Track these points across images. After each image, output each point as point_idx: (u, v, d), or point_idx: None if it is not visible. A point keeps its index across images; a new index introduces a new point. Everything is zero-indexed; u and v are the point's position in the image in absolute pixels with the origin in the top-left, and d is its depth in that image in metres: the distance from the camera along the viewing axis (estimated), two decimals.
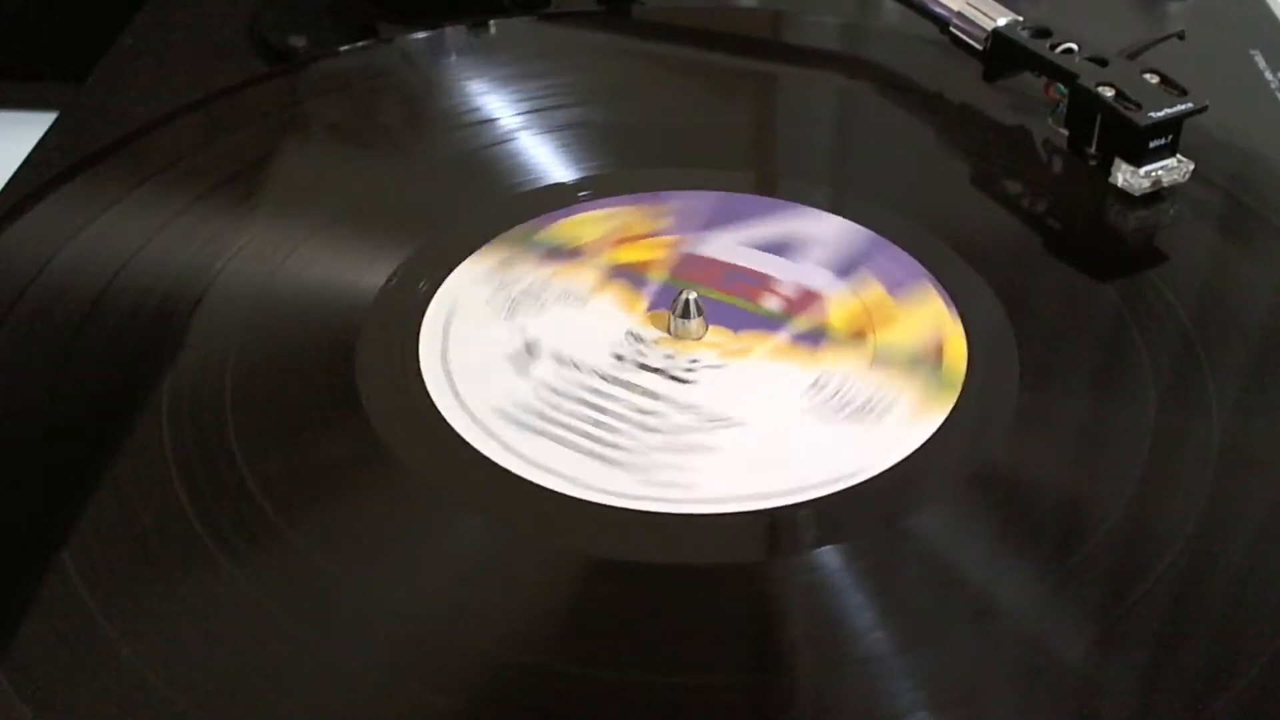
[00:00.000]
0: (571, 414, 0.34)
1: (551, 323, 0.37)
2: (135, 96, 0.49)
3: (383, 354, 0.35)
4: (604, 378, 0.35)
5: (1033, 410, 0.34)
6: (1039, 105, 0.44)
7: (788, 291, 0.38)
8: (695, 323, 0.36)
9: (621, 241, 0.40)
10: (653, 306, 0.37)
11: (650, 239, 0.40)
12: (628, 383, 0.35)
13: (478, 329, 0.36)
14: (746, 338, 0.36)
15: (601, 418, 0.34)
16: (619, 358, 0.36)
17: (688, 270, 0.39)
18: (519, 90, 0.47)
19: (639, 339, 0.36)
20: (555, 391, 0.34)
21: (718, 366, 0.35)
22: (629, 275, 0.39)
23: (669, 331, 0.36)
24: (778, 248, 0.39)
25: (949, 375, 0.35)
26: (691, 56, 0.50)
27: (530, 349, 0.36)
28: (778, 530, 0.31)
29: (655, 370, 0.35)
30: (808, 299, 0.37)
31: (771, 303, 0.37)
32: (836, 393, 0.34)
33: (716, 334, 0.36)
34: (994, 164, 0.43)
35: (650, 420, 0.34)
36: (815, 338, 0.36)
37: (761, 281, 0.38)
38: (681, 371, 0.35)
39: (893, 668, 0.27)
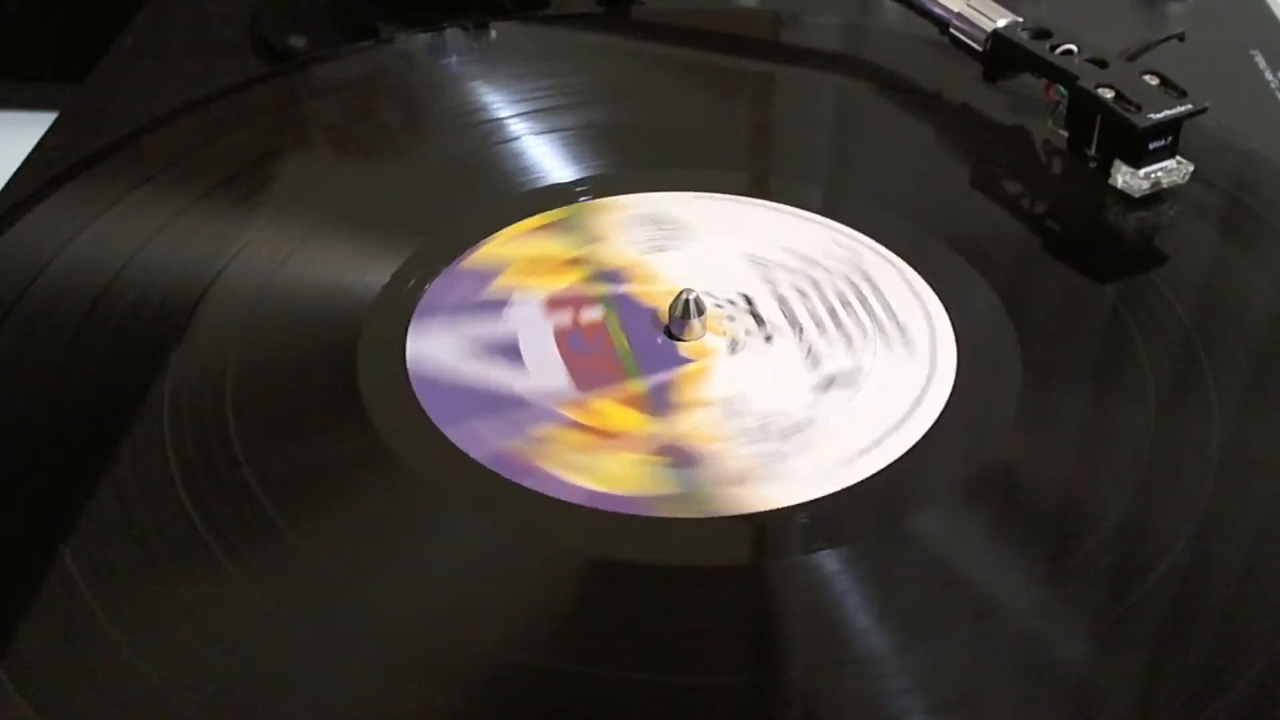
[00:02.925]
0: None
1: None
2: (135, 96, 0.49)
3: (383, 354, 0.35)
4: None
5: (1033, 410, 0.34)
6: (1039, 106, 0.44)
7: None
8: (697, 322, 0.36)
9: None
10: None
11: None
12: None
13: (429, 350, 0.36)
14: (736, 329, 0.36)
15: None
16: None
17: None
18: (519, 91, 0.47)
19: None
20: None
21: (735, 355, 0.36)
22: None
23: (673, 335, 0.36)
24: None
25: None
26: (691, 57, 0.50)
27: (508, 350, 0.36)
28: (777, 530, 0.31)
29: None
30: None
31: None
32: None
33: (712, 333, 0.36)
34: (994, 164, 0.43)
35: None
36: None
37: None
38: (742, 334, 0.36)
39: (892, 668, 0.27)
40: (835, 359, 0.36)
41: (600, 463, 0.32)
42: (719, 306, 0.37)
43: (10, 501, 0.31)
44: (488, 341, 0.36)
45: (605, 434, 0.33)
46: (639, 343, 0.36)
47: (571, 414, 0.34)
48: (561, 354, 0.35)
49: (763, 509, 0.31)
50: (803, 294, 0.38)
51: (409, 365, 0.35)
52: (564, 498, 0.31)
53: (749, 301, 0.38)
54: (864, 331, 0.37)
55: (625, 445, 0.33)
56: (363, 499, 0.32)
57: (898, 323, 0.37)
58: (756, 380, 0.35)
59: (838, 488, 0.32)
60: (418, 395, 0.34)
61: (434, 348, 0.35)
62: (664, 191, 0.42)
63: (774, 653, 0.29)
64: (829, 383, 0.35)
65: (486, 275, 0.38)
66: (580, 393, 0.34)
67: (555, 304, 0.37)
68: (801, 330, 0.37)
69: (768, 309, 0.37)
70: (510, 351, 0.36)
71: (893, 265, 0.39)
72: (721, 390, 0.35)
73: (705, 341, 0.36)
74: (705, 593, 0.29)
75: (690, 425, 0.33)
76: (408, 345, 0.35)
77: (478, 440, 0.33)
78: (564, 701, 0.27)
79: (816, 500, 0.31)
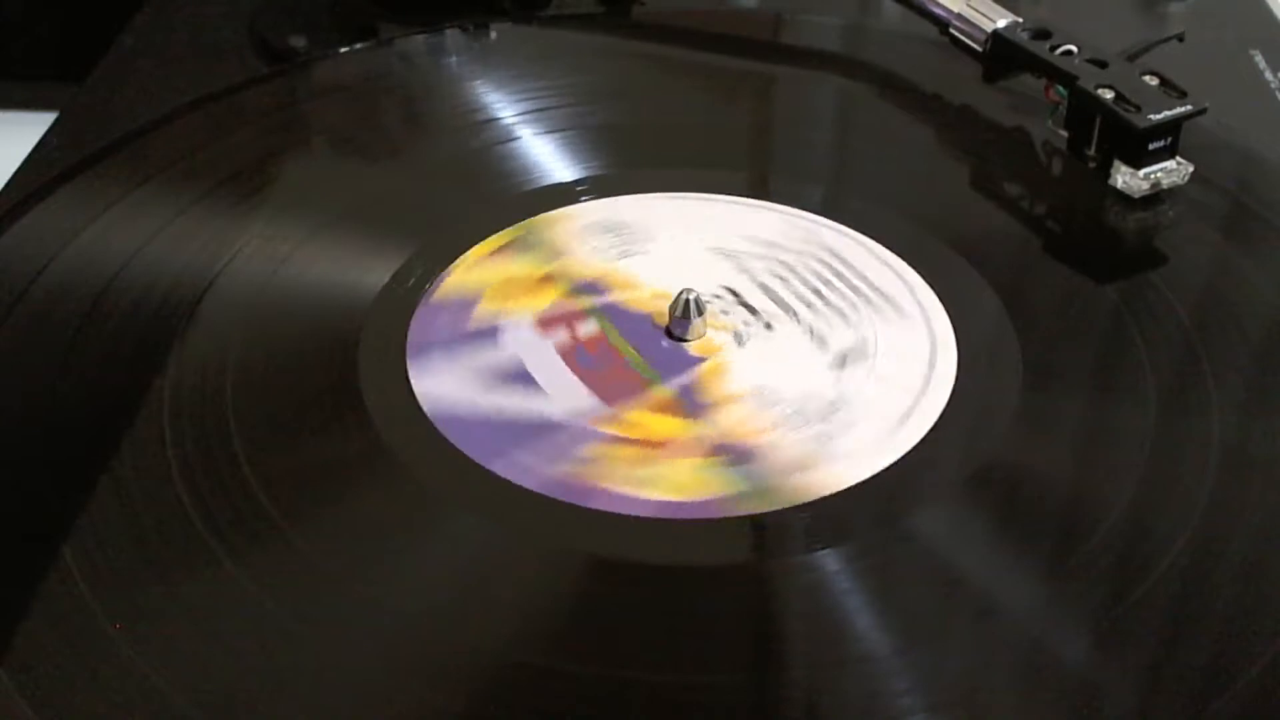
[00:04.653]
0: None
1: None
2: (135, 96, 0.49)
3: (383, 354, 0.35)
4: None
5: (1033, 410, 0.34)
6: (1039, 106, 0.44)
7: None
8: (699, 322, 0.36)
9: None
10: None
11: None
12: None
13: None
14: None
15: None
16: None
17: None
18: (519, 91, 0.47)
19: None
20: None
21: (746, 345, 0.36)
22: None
23: (675, 335, 0.36)
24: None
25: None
26: (691, 57, 0.50)
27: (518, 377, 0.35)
28: (777, 530, 0.31)
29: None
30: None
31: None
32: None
33: (713, 331, 0.37)
34: (994, 165, 0.43)
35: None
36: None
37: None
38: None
39: (892, 668, 0.27)
40: (838, 336, 0.36)
41: (663, 473, 0.32)
42: (708, 302, 0.37)
43: (10, 501, 0.31)
44: (495, 370, 0.35)
45: (653, 444, 0.33)
46: (646, 349, 0.36)
47: (611, 429, 0.33)
48: (574, 372, 0.35)
49: (836, 489, 0.31)
50: (782, 279, 0.38)
51: (426, 409, 0.34)
52: (636, 513, 0.31)
53: (734, 294, 0.38)
54: (853, 305, 0.37)
55: (678, 452, 0.33)
56: (361, 498, 0.32)
57: (880, 291, 0.38)
58: (774, 368, 0.35)
59: (899, 453, 0.32)
60: (447, 437, 0.33)
61: (444, 385, 0.35)
62: (619, 196, 0.42)
63: (774, 653, 0.29)
64: (842, 360, 0.35)
65: (465, 304, 0.37)
66: (610, 407, 0.34)
67: (547, 323, 0.37)
68: (795, 314, 0.37)
69: (755, 298, 0.38)
70: (522, 377, 0.35)
71: (849, 237, 0.40)
72: (746, 383, 0.35)
73: (710, 338, 0.36)
74: (705, 592, 0.29)
75: (731, 421, 0.34)
76: (414, 385, 0.35)
77: (526, 470, 0.32)
78: (564, 701, 0.27)
79: (817, 500, 0.31)
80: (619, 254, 0.39)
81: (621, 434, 0.33)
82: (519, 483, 0.32)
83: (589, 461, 0.32)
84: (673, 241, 0.40)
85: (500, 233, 0.40)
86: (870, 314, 0.37)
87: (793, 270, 0.39)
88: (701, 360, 0.36)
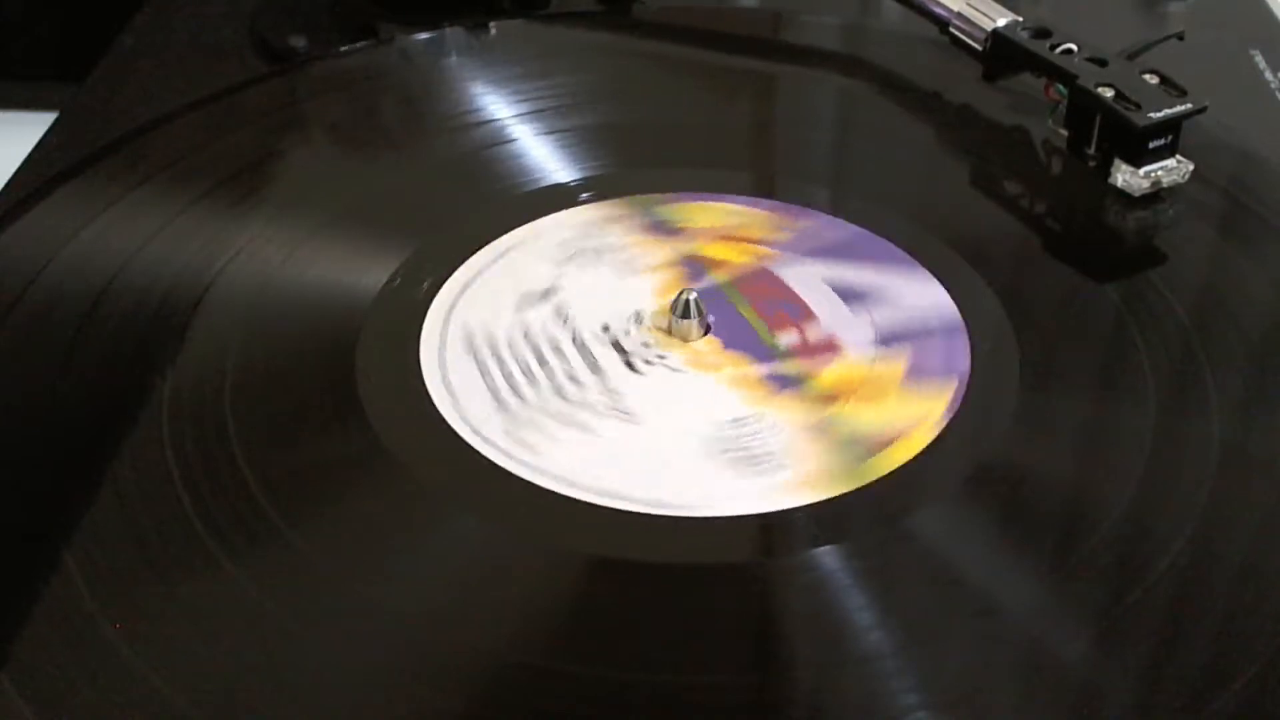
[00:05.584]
0: (515, 355, 0.35)
1: (588, 281, 0.38)
2: (135, 96, 0.49)
3: (383, 354, 0.35)
4: (575, 340, 0.36)
5: (1033, 410, 0.34)
6: (1039, 105, 0.44)
7: (813, 335, 0.36)
8: (689, 324, 0.36)
9: (724, 238, 0.40)
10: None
11: (751, 244, 0.39)
12: (588, 350, 0.36)
13: (522, 262, 0.37)
14: (729, 357, 0.36)
15: (533, 368, 0.35)
16: (605, 329, 0.37)
17: (748, 283, 0.38)
18: (519, 91, 0.47)
19: (639, 320, 0.37)
20: (524, 334, 0.36)
21: (676, 370, 0.35)
22: (695, 266, 0.39)
23: (667, 325, 0.36)
24: (854, 294, 0.38)
25: (867, 468, 0.32)
26: (691, 56, 0.50)
27: (547, 293, 0.37)
28: (778, 530, 0.31)
29: (621, 351, 0.36)
30: (824, 349, 0.36)
31: (786, 338, 0.36)
32: (749, 435, 0.33)
33: (707, 343, 0.36)
34: (994, 164, 0.43)
35: (568, 388, 0.34)
36: (788, 383, 0.35)
37: (800, 316, 0.37)
38: (641, 361, 0.35)
39: (893, 668, 0.27)
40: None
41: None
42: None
43: (10, 501, 0.31)
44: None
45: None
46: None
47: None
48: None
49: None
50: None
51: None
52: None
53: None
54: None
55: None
56: (362, 499, 0.32)
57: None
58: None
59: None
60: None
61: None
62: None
63: (774, 652, 0.29)
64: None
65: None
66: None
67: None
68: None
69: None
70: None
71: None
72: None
73: (691, 346, 0.36)
74: (705, 592, 0.29)
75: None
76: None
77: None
78: (564, 701, 0.27)
79: (817, 500, 0.31)
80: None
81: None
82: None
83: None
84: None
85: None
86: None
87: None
88: (646, 345, 0.36)
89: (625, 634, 0.28)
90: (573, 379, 0.35)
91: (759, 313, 0.37)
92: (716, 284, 0.38)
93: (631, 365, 0.35)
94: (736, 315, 0.37)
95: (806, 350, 0.36)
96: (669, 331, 0.36)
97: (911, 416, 0.34)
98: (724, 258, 0.39)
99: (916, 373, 0.35)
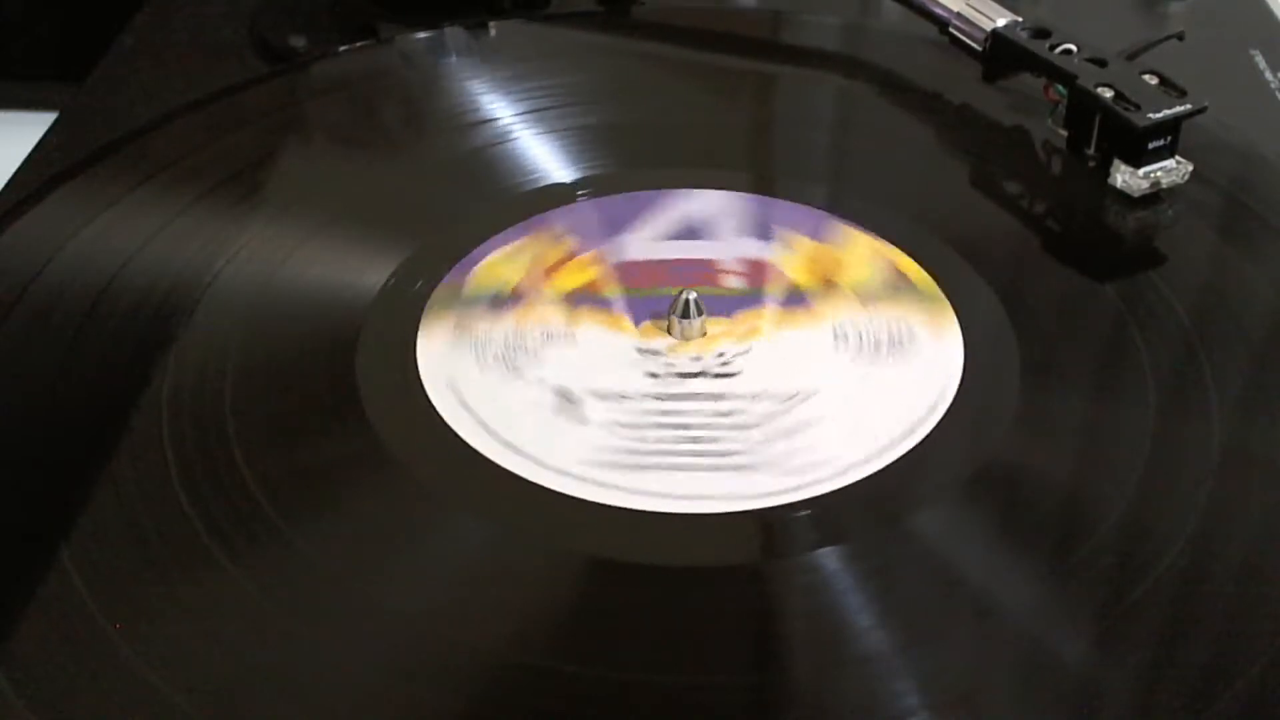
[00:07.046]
0: (662, 439, 0.33)
1: (560, 365, 0.35)
2: (135, 96, 0.49)
3: (383, 354, 0.35)
4: (658, 398, 0.34)
5: (1033, 410, 0.34)
6: (1038, 105, 0.44)
7: (737, 268, 0.38)
8: (699, 321, 0.36)
9: (549, 271, 0.39)
10: (638, 320, 0.37)
11: (571, 261, 0.39)
12: (685, 394, 0.34)
13: (494, 391, 0.35)
14: (744, 318, 0.37)
15: (691, 432, 0.33)
16: (654, 375, 0.35)
17: (633, 278, 0.38)
18: (519, 91, 0.47)
19: (654, 353, 0.36)
20: (631, 426, 0.33)
21: (745, 351, 0.36)
22: (588, 299, 0.38)
23: (673, 335, 0.36)
24: (689, 233, 0.40)
25: (926, 289, 0.37)
26: (691, 56, 0.50)
27: (566, 396, 0.34)
28: (777, 530, 0.31)
29: (697, 375, 0.35)
30: (759, 268, 0.38)
31: (733, 282, 0.38)
32: (861, 337, 0.36)
33: (716, 324, 0.36)
34: (994, 164, 0.43)
35: (737, 418, 0.33)
36: (798, 299, 0.37)
37: (707, 266, 0.39)
38: (719, 366, 0.35)
39: (893, 668, 0.27)
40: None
41: None
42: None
43: (10, 501, 0.31)
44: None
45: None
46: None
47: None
48: None
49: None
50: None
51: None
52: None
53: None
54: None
55: None
56: (361, 499, 0.32)
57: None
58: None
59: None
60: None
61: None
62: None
63: (774, 653, 0.29)
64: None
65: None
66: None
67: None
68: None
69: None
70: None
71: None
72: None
73: (713, 337, 0.36)
74: (705, 592, 0.29)
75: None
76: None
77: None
78: (565, 701, 0.27)
79: (817, 499, 0.31)
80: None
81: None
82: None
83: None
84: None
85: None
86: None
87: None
88: (698, 358, 0.36)
89: (625, 634, 0.28)
90: (724, 414, 0.34)
91: (687, 285, 0.37)
92: (625, 294, 0.38)
93: (723, 374, 0.35)
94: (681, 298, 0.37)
95: (756, 278, 0.38)
96: (685, 338, 0.36)
97: (867, 250, 0.39)
98: (583, 280, 0.38)
99: (813, 233, 0.40)
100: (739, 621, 0.29)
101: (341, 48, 0.49)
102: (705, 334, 0.36)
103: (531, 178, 0.42)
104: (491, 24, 0.51)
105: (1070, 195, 0.42)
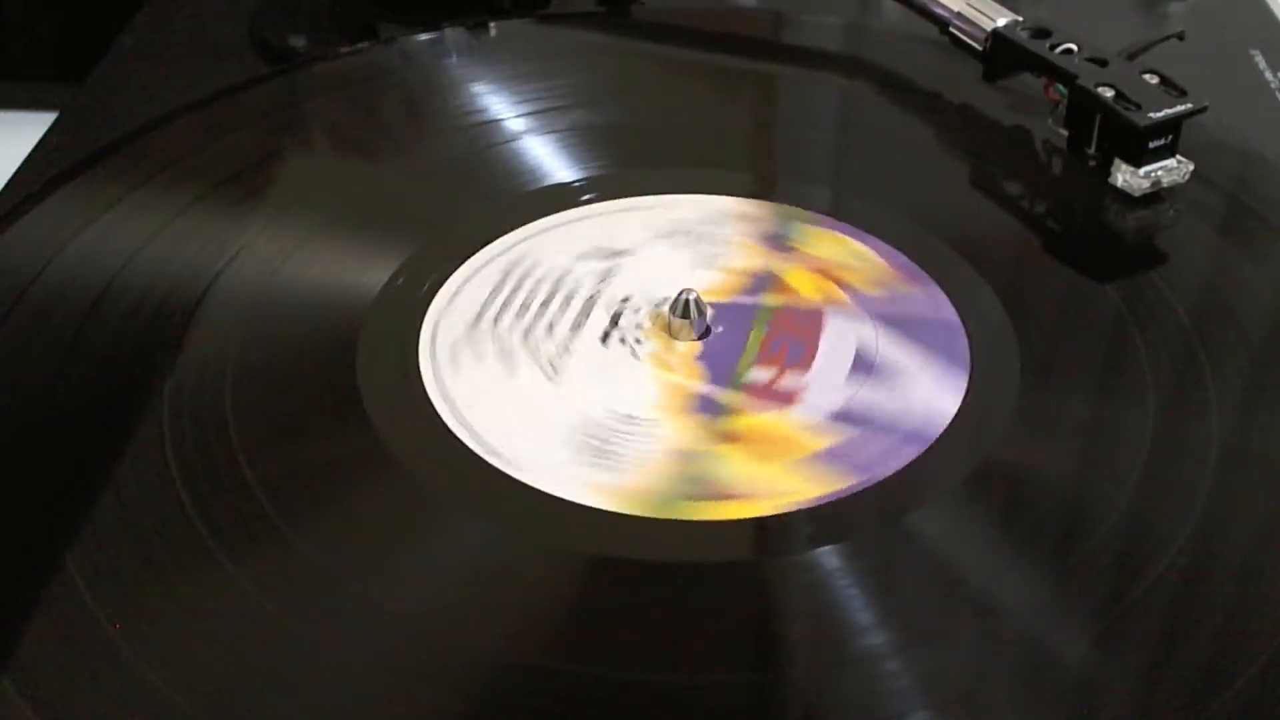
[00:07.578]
0: (531, 287, 0.38)
1: (662, 257, 0.39)
2: (135, 96, 0.49)
3: (383, 354, 0.35)
4: (590, 298, 0.37)
5: (1033, 410, 0.34)
6: (1039, 105, 0.44)
7: (785, 383, 0.35)
8: (682, 324, 0.36)
9: (819, 271, 0.38)
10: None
11: (836, 285, 0.38)
12: (588, 311, 0.37)
13: (627, 223, 0.39)
14: (692, 368, 0.35)
15: (533, 305, 0.37)
16: (624, 300, 0.38)
17: (787, 317, 0.37)
18: (519, 91, 0.47)
19: (656, 305, 0.37)
20: (559, 275, 0.38)
21: (635, 358, 0.36)
22: (761, 283, 0.38)
23: (672, 335, 0.36)
24: (869, 367, 0.35)
25: (677, 508, 0.31)
26: (691, 56, 0.50)
27: (618, 254, 0.39)
28: (778, 530, 0.31)
29: (613, 323, 0.37)
30: (780, 398, 0.34)
31: (758, 374, 0.35)
32: (623, 433, 0.33)
33: (689, 347, 0.36)
34: (994, 164, 0.43)
35: (538, 331, 0.36)
36: (710, 409, 0.34)
37: (795, 363, 0.35)
38: (618, 338, 0.36)
39: (893, 667, 0.27)
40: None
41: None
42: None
43: (10, 502, 0.31)
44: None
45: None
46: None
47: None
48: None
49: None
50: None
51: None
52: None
53: None
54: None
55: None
56: (362, 499, 0.32)
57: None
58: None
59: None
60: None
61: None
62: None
63: (774, 652, 0.29)
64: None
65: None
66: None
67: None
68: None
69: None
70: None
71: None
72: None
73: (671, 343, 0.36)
74: (705, 592, 0.29)
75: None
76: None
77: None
78: (564, 701, 0.27)
79: (817, 499, 0.31)
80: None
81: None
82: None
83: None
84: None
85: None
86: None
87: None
88: (639, 326, 0.36)
89: (625, 634, 0.28)
90: (550, 326, 0.36)
91: (763, 344, 0.36)
92: (759, 305, 0.37)
93: (605, 337, 0.36)
94: (743, 337, 0.36)
95: (763, 392, 0.34)
96: (667, 325, 0.36)
97: (776, 489, 0.31)
98: (797, 287, 0.38)
99: (832, 457, 0.32)
100: (739, 621, 0.29)
101: (341, 48, 0.49)
102: (677, 337, 0.36)
103: (532, 178, 0.42)
104: (491, 24, 0.51)
105: (1070, 195, 0.42)
